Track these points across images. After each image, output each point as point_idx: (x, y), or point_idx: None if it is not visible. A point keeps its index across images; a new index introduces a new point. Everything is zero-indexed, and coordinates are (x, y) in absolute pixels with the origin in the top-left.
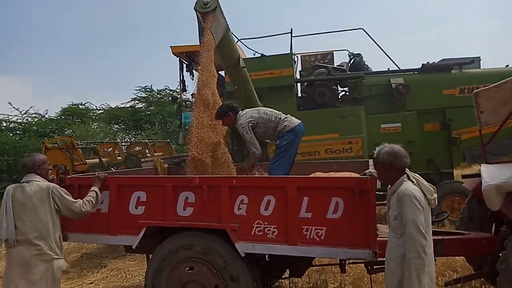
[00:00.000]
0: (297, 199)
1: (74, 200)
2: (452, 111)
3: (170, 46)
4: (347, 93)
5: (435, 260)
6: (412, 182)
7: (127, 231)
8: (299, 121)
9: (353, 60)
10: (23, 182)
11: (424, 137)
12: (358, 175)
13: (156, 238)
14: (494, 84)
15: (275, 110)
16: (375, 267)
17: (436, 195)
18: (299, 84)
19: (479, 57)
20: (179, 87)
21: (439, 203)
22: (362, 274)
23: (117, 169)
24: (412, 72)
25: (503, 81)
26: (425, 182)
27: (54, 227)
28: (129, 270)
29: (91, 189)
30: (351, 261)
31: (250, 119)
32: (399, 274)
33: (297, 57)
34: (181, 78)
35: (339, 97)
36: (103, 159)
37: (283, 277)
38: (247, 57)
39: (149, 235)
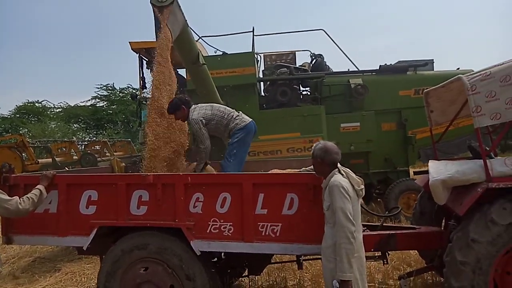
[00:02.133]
0: (253, 195)
1: (8, 198)
2: (408, 111)
3: (129, 42)
4: (309, 93)
5: (388, 254)
6: (342, 174)
7: (78, 231)
8: (250, 119)
9: (314, 60)
10: None
11: (381, 136)
12: (313, 172)
13: (109, 239)
14: (441, 84)
15: (228, 108)
16: None
17: (363, 186)
18: (262, 83)
19: (433, 59)
20: (139, 85)
21: (396, 199)
22: (321, 271)
23: (71, 168)
24: (370, 73)
25: (449, 81)
26: (353, 175)
27: None
28: (85, 273)
29: (35, 187)
30: (311, 257)
31: (204, 114)
32: (334, 261)
33: (260, 56)
34: (141, 75)
35: (301, 96)
36: (57, 159)
37: (243, 275)
38: (208, 55)
39: (101, 235)
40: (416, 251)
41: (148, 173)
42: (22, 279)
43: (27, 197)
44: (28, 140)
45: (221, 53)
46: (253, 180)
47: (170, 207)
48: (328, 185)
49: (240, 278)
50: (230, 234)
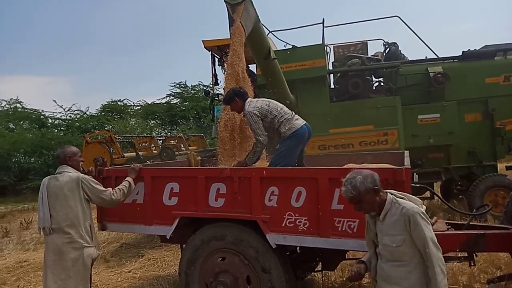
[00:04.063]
0: (329, 190)
1: (104, 189)
2: (496, 100)
3: (202, 40)
4: (382, 84)
5: (476, 255)
6: (403, 198)
7: (162, 221)
8: (304, 123)
9: (388, 49)
10: (56, 174)
11: (464, 128)
12: (393, 166)
13: (190, 229)
14: None
15: (284, 108)
16: None
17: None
18: (332, 76)
19: None
20: (211, 81)
21: (481, 197)
22: None
23: (152, 162)
24: (451, 60)
25: None
26: (412, 196)
27: (84, 216)
28: (165, 260)
29: (125, 179)
30: None
31: (260, 108)
32: None
33: (329, 48)
34: (213, 72)
35: (374, 87)
36: (139, 153)
37: (315, 270)
38: (278, 49)
39: (182, 225)
40: (507, 254)
41: (226, 167)
42: (112, 263)
43: (119, 188)
44: (115, 136)
45: (290, 46)
46: (329, 174)
47: (246, 200)
48: (402, 215)
49: (312, 273)
50: (305, 229)
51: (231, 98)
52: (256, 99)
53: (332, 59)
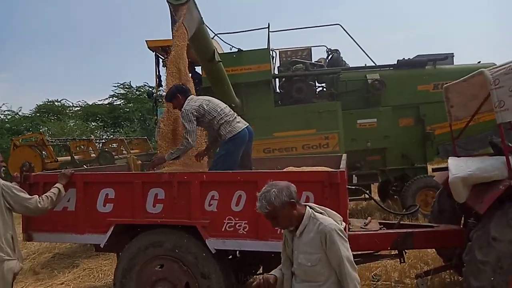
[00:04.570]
0: None
1: (29, 196)
2: (426, 106)
3: (146, 41)
4: (325, 89)
5: (405, 253)
6: (321, 213)
7: (95, 229)
8: (246, 125)
9: (331, 56)
10: None
11: (399, 132)
12: (328, 169)
13: (126, 236)
14: (462, 78)
15: (227, 110)
16: None
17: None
18: (277, 80)
19: (453, 53)
20: (155, 83)
21: (413, 197)
22: None
23: (89, 166)
24: (387, 68)
25: (470, 75)
26: (330, 210)
27: (5, 226)
28: (102, 270)
29: (54, 186)
30: None
31: (197, 108)
32: None
33: (275, 52)
34: (157, 73)
35: (317, 92)
36: (76, 157)
37: (257, 273)
38: (224, 52)
39: (118, 233)
40: (433, 249)
41: (164, 172)
42: (42, 275)
43: (46, 195)
44: (48, 138)
45: (236, 50)
46: (268, 178)
47: (185, 205)
48: (319, 232)
49: (255, 276)
50: (245, 232)
51: (173, 95)
52: (198, 97)
53: (277, 63)
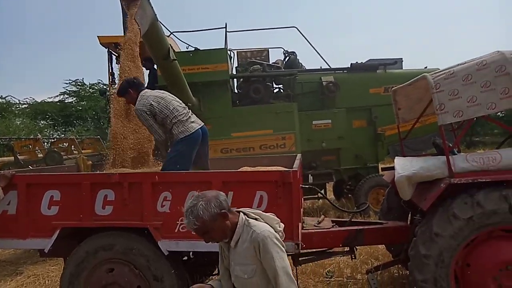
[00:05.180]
0: None
1: None
2: (378, 108)
3: (98, 36)
4: (282, 90)
5: (356, 249)
6: (256, 219)
7: (39, 233)
8: (200, 125)
9: (287, 58)
10: None
11: (352, 133)
12: (281, 169)
13: (74, 240)
14: (408, 82)
15: (180, 108)
16: (300, 259)
17: (283, 225)
18: (235, 80)
19: (401, 58)
20: (108, 80)
21: (366, 195)
22: (312, 268)
23: (35, 167)
24: (341, 71)
25: (415, 79)
26: (268, 214)
27: None
28: (49, 276)
29: None
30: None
31: (149, 107)
32: None
33: (233, 53)
34: (110, 71)
35: (274, 93)
36: (20, 157)
37: (213, 274)
38: (180, 50)
39: (65, 237)
40: (383, 245)
41: (114, 172)
42: None
43: None
44: None
45: (193, 49)
46: (222, 178)
47: (137, 207)
48: (252, 241)
49: (211, 277)
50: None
51: (124, 89)
52: (151, 92)
53: (235, 64)
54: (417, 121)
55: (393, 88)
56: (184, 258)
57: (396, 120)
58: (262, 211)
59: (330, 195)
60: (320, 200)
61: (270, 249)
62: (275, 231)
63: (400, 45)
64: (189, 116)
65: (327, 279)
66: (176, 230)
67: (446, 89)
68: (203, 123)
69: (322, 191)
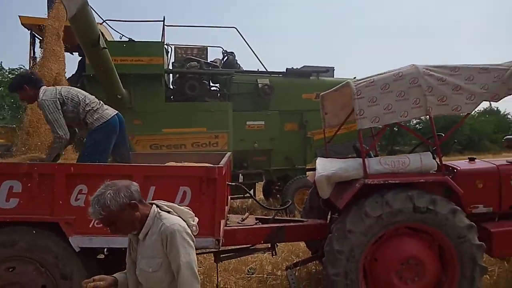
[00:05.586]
0: (144, 188)
1: None
2: (309, 113)
3: (19, 16)
4: (218, 89)
5: (277, 246)
6: (169, 211)
7: None
8: (115, 113)
9: (226, 57)
10: None
11: (284, 136)
12: (207, 165)
13: None
14: (334, 88)
15: (90, 97)
16: (222, 255)
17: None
18: (171, 76)
19: (333, 67)
20: (29, 65)
21: (292, 195)
22: (214, 264)
23: None
24: (277, 75)
25: (340, 85)
26: (181, 207)
27: None
28: None
29: None
30: (203, 251)
31: (57, 95)
32: None
33: (170, 47)
34: (32, 55)
35: (210, 92)
36: None
37: None
38: (114, 40)
39: None
40: (304, 243)
41: (23, 162)
42: None
43: None
44: None
45: (127, 39)
46: (144, 172)
47: (47, 200)
48: (160, 233)
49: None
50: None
51: (18, 85)
52: (55, 86)
53: (172, 59)
54: (341, 126)
55: (321, 94)
56: (100, 256)
57: (323, 124)
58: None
59: (260, 195)
60: (250, 200)
61: (177, 243)
62: (187, 225)
63: (333, 55)
64: (102, 104)
65: (248, 275)
66: (90, 226)
67: (366, 96)
68: (117, 111)
69: (252, 191)
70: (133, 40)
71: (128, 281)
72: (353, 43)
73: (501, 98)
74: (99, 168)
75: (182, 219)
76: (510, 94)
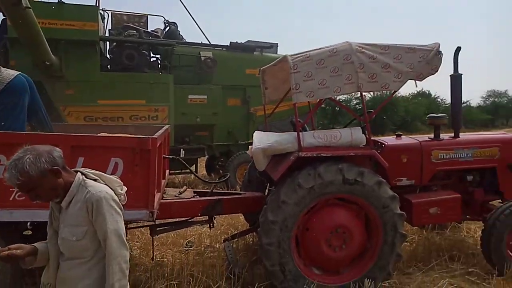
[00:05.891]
0: (71, 159)
1: None
2: (252, 89)
3: None
4: (159, 61)
5: (214, 218)
6: (95, 179)
7: None
8: (16, 73)
9: (168, 28)
10: None
11: (227, 111)
12: (140, 136)
13: None
14: (273, 62)
15: None
16: (158, 229)
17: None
18: (107, 43)
19: (277, 43)
20: None
21: (234, 170)
22: (150, 239)
23: None
24: (220, 48)
25: (278, 59)
26: (109, 176)
27: None
28: None
29: None
30: (138, 224)
31: None
32: None
33: (107, 13)
34: None
35: (150, 63)
36: None
37: None
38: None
39: None
40: (243, 216)
41: None
42: None
43: None
44: None
45: (57, 1)
46: (71, 142)
47: None
48: (85, 201)
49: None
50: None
51: None
52: None
53: (109, 26)
54: (281, 101)
55: (262, 68)
56: (26, 232)
57: (263, 99)
58: None
59: (203, 171)
60: (192, 176)
61: (104, 211)
62: (115, 194)
63: (277, 33)
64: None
65: (186, 249)
66: (11, 198)
67: (302, 70)
68: (19, 72)
69: (194, 166)
70: (64, 3)
71: (49, 251)
72: (298, 21)
73: (425, 78)
74: (19, 137)
75: (110, 187)
76: (432, 74)
